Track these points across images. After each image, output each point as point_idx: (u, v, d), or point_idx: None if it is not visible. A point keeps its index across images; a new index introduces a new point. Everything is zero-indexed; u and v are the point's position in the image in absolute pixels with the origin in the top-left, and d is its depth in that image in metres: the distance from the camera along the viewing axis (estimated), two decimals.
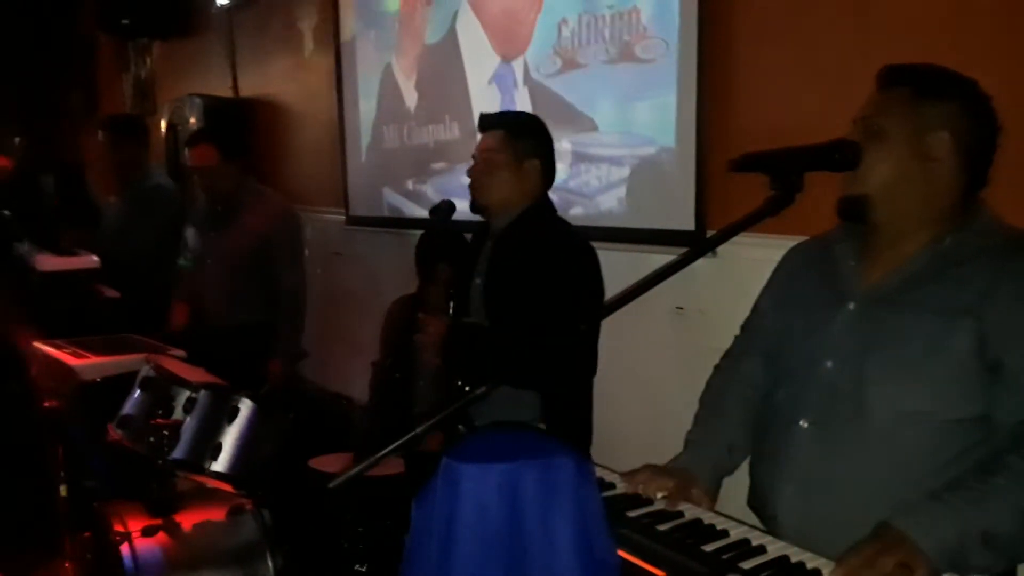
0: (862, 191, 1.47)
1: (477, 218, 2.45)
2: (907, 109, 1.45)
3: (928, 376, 1.39)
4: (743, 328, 1.81)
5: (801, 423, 1.51)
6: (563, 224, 2.35)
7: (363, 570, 2.27)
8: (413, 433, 1.15)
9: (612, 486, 1.54)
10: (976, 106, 1.45)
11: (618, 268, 2.25)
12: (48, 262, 3.65)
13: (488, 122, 2.38)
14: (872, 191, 1.47)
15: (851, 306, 1.51)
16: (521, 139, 2.30)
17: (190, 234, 3.70)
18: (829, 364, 1.50)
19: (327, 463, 2.65)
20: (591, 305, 2.14)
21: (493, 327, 2.24)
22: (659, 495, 1.49)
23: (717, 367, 1.81)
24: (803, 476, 1.49)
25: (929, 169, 1.44)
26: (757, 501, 1.62)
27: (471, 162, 2.35)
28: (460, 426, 2.06)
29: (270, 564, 2.07)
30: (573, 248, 2.25)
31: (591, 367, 2.24)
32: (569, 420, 2.25)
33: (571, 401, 2.27)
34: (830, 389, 1.49)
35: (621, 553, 1.25)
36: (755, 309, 1.77)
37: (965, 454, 1.38)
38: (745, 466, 1.68)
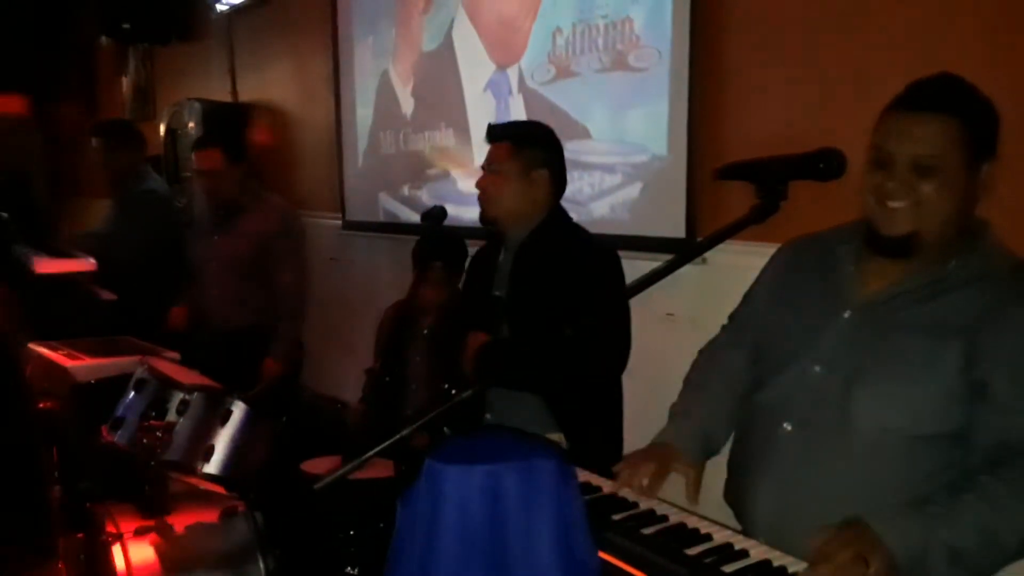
0: (915, 228, 1.41)
1: (474, 224, 2.44)
2: (957, 141, 1.37)
3: (915, 395, 1.39)
4: (731, 318, 1.80)
5: (785, 425, 1.52)
6: (582, 232, 2.32)
7: (355, 572, 2.28)
8: (398, 435, 1.17)
9: (597, 489, 1.56)
10: None
11: None
12: (44, 264, 3.66)
13: (495, 133, 2.34)
14: (926, 227, 1.41)
15: (846, 314, 1.51)
16: (528, 150, 2.26)
17: (193, 238, 3.72)
18: (818, 369, 1.50)
19: (319, 466, 2.66)
20: (621, 308, 2.11)
21: (526, 343, 2.19)
22: (642, 487, 1.51)
23: (702, 352, 1.81)
24: (782, 478, 1.50)
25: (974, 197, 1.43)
26: (734, 496, 1.63)
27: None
28: (445, 428, 2.07)
29: (262, 566, 2.07)
30: (598, 255, 2.22)
31: (620, 366, 2.22)
32: (595, 428, 2.22)
33: (595, 407, 2.24)
34: (816, 395, 1.49)
35: (605, 556, 1.27)
36: (747, 301, 1.76)
37: (940, 471, 1.39)
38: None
